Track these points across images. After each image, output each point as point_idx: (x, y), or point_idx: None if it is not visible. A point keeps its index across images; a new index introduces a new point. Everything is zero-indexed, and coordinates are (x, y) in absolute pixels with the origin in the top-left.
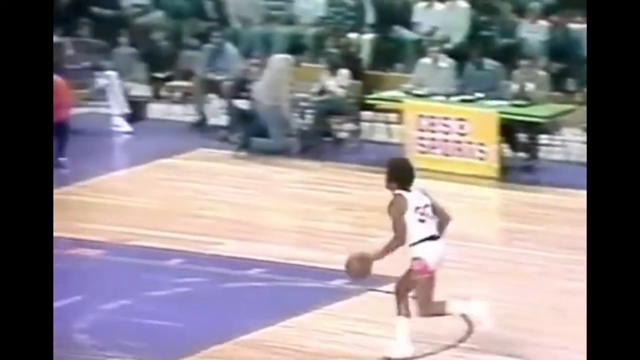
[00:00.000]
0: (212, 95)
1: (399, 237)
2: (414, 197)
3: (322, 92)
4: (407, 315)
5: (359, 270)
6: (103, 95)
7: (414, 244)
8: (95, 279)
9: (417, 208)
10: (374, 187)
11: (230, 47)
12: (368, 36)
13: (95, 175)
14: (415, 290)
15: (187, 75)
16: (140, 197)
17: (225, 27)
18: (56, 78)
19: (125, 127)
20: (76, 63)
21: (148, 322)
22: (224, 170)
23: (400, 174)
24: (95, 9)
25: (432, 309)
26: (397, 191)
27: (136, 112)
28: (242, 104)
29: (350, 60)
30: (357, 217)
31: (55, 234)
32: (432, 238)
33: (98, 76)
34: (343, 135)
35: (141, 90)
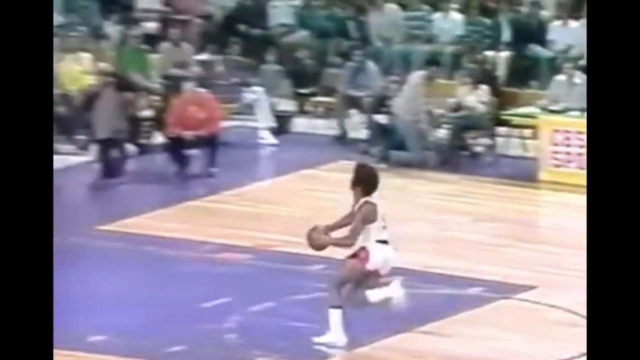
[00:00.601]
0: (353, 111)
1: (352, 240)
2: (379, 205)
3: (459, 107)
4: (341, 306)
5: (314, 243)
6: (251, 109)
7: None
8: (242, 282)
9: (382, 215)
10: (508, 200)
11: (371, 65)
12: (504, 54)
13: (243, 185)
14: (340, 271)
15: (329, 91)
16: (284, 205)
17: (367, 46)
18: (206, 93)
19: (271, 139)
20: (226, 79)
21: (292, 324)
22: None
23: (367, 180)
24: (245, 29)
25: (330, 296)
26: (367, 198)
27: (281, 125)
28: (381, 118)
29: (486, 77)
30: (492, 227)
31: (204, 239)
32: (385, 242)
33: (246, 92)
34: (479, 149)
35: (286, 105)
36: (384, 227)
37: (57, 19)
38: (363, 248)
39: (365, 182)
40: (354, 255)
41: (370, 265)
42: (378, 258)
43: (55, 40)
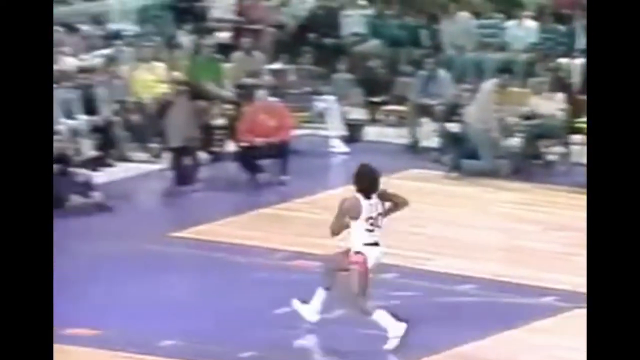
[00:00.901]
0: (424, 119)
1: (332, 231)
2: (370, 206)
3: (533, 115)
4: (328, 289)
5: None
6: (322, 118)
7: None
8: (314, 290)
9: (369, 218)
10: (581, 208)
11: (443, 73)
12: (578, 61)
13: (314, 193)
14: (352, 283)
15: (401, 99)
16: None
17: (439, 54)
18: (277, 102)
19: (342, 148)
20: (298, 88)
21: (364, 332)
22: (436, 190)
23: (363, 179)
24: (317, 38)
25: (362, 307)
26: (357, 195)
27: (353, 134)
28: (453, 127)
29: (560, 84)
30: (564, 236)
31: (276, 246)
32: (374, 244)
33: (318, 100)
34: (552, 157)
35: (358, 113)
36: (370, 230)
37: (132, 28)
38: (358, 252)
39: (361, 181)
40: (353, 263)
41: (369, 264)
42: (372, 259)
43: (130, 49)
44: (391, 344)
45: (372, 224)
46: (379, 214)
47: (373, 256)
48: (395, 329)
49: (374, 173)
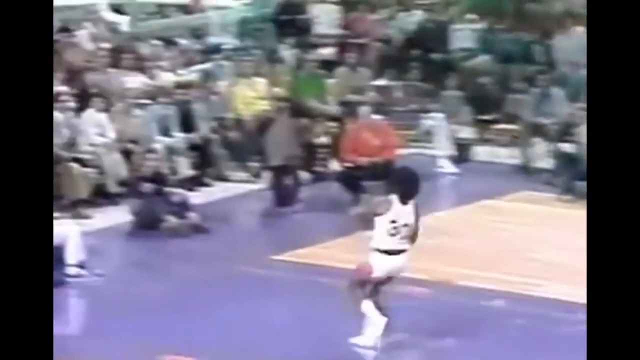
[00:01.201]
0: (537, 139)
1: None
2: (399, 211)
3: None
4: (369, 297)
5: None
6: (429, 137)
7: (374, 250)
8: (420, 317)
9: (393, 222)
10: None
11: (556, 91)
12: None
13: (421, 215)
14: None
15: (513, 118)
16: (464, 237)
17: (552, 71)
18: (381, 120)
19: (451, 168)
20: (404, 105)
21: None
22: (548, 213)
23: (399, 183)
24: (424, 53)
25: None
26: (392, 195)
27: (461, 153)
28: (567, 147)
29: None
30: None
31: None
32: (394, 252)
33: (425, 118)
34: None
35: (467, 132)
36: (392, 235)
37: (232, 42)
38: (367, 263)
39: (397, 184)
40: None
41: (376, 274)
42: (381, 271)
43: (230, 64)
44: (363, 339)
45: (394, 228)
46: (406, 225)
47: (385, 268)
48: (376, 324)
49: (412, 178)
